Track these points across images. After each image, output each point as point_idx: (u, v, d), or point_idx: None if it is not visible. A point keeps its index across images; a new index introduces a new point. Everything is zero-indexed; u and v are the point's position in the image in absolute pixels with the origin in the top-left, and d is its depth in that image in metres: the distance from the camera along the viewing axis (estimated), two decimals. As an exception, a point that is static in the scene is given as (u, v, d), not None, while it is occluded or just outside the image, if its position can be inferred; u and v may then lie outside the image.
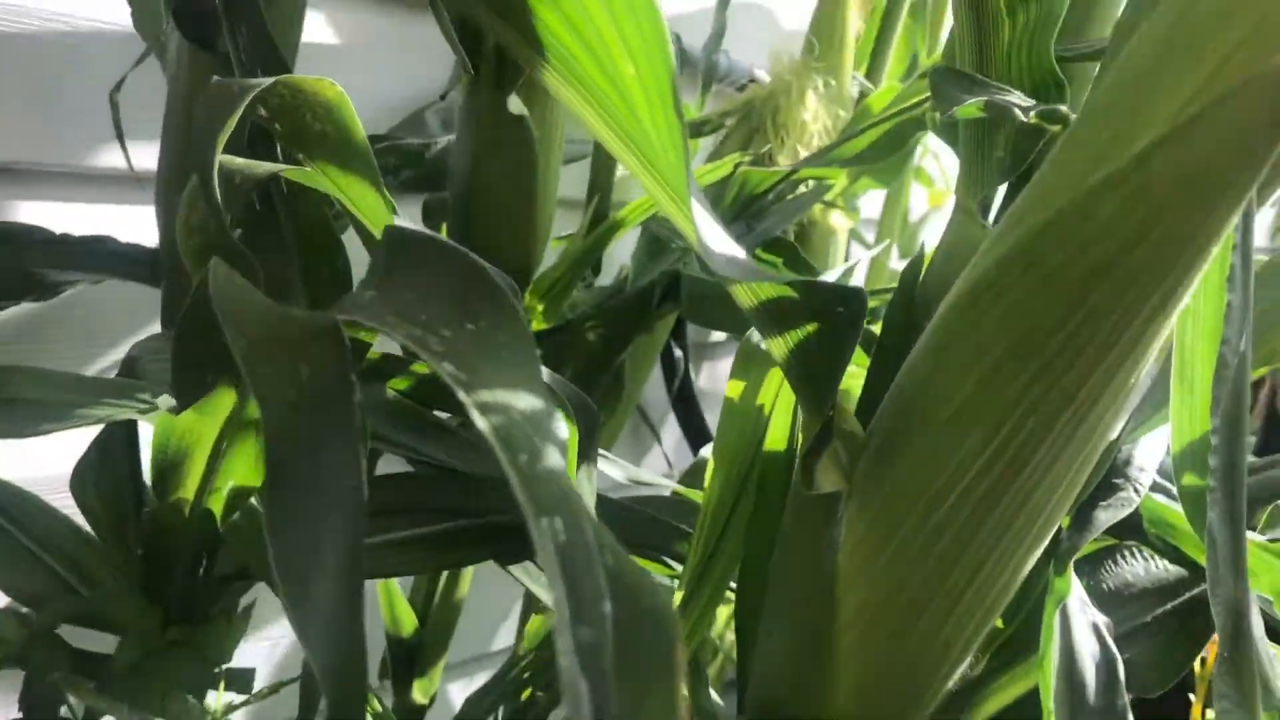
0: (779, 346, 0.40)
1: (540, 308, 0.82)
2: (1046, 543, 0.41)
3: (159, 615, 0.65)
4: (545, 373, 0.52)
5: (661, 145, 0.33)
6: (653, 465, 1.35)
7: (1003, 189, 0.52)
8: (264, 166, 0.45)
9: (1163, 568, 0.57)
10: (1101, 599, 0.58)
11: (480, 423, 0.27)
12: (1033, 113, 0.40)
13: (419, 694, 0.88)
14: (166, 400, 0.55)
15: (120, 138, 0.74)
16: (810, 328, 0.39)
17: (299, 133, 0.42)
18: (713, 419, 1.25)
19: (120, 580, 0.65)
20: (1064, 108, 0.40)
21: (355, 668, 0.30)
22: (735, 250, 0.36)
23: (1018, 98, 0.44)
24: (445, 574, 0.86)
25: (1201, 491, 0.43)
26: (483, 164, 0.76)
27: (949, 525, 0.38)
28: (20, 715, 0.65)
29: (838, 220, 1.00)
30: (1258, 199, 0.37)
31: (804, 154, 0.94)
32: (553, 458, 0.27)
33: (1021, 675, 0.52)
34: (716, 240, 0.35)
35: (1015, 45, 0.49)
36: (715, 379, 1.45)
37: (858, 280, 1.23)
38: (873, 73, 1.09)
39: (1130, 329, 0.32)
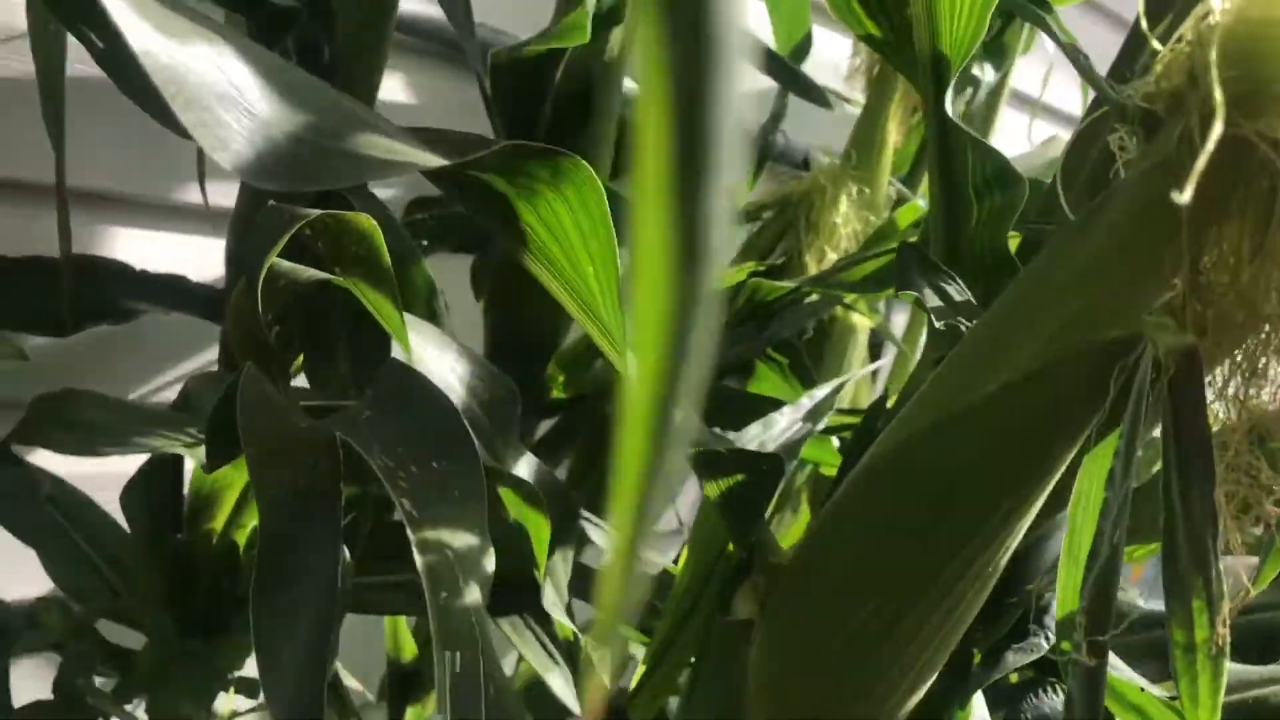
0: (712, 488, 0.46)
1: (561, 377, 0.89)
2: (931, 678, 0.47)
3: (179, 625, 0.73)
4: (528, 463, 0.59)
5: (611, 322, 0.40)
6: (665, 521, 1.41)
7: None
8: (308, 273, 0.52)
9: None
10: (1019, 723, 0.64)
11: (417, 560, 0.33)
12: (941, 322, 0.46)
13: (411, 718, 0.95)
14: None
15: (203, 185, 0.82)
16: (738, 477, 0.45)
17: (338, 252, 0.49)
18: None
19: (151, 589, 0.73)
20: (966, 324, 0.46)
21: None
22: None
23: (956, 290, 0.50)
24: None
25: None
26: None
27: (836, 665, 0.44)
28: (52, 698, 0.73)
29: (858, 319, 1.06)
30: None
31: (830, 255, 1.00)
32: (471, 595, 0.33)
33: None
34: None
35: (981, 226, 0.55)
36: (741, 441, 1.51)
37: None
38: (909, 181, 1.15)
39: (984, 529, 0.38)
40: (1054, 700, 0.64)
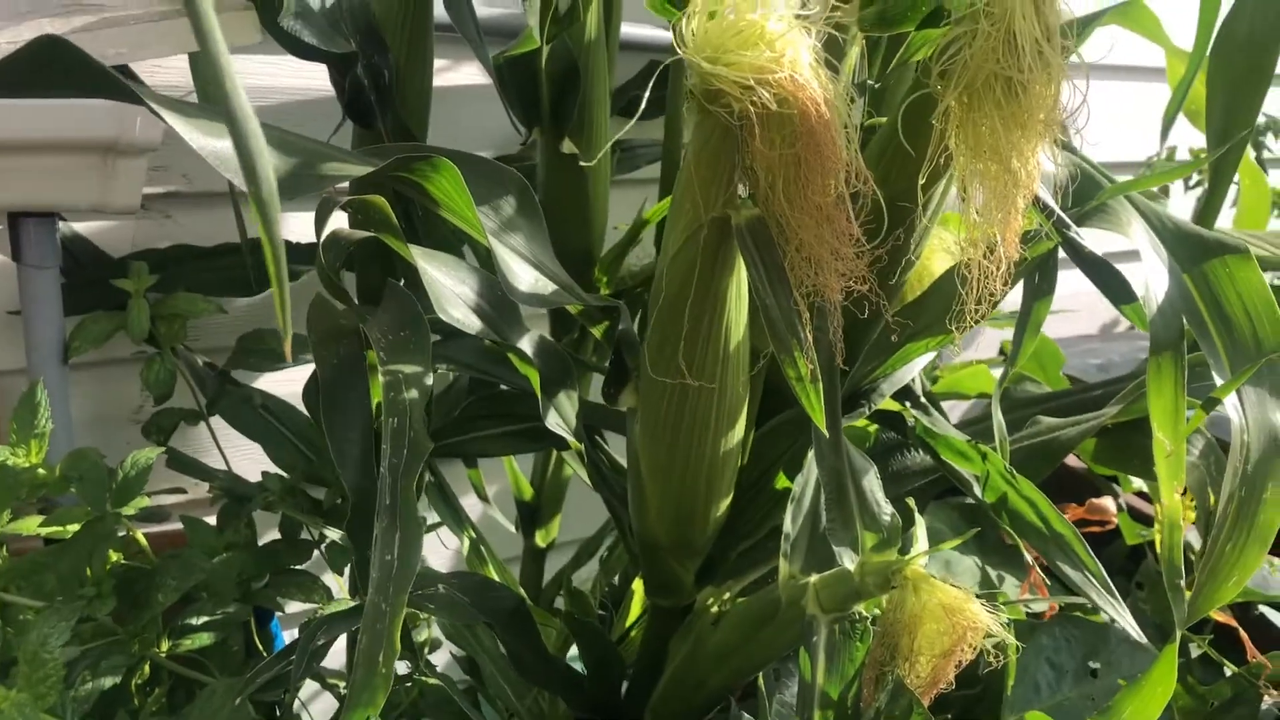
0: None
1: (604, 278, 1.19)
2: (739, 431, 0.75)
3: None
4: (530, 339, 0.89)
5: (475, 224, 0.69)
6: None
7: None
8: (357, 235, 0.84)
9: (923, 458, 0.89)
10: (889, 478, 0.91)
11: (380, 378, 0.65)
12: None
13: (540, 540, 1.28)
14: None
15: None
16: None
17: (367, 220, 0.81)
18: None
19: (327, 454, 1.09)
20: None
21: (366, 488, 0.69)
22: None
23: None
24: (552, 459, 1.26)
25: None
26: (549, 186, 1.14)
27: (677, 422, 0.74)
28: (279, 537, 1.08)
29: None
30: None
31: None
32: (410, 394, 0.65)
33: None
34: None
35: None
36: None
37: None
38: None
39: (702, 326, 0.67)
40: (914, 456, 0.90)
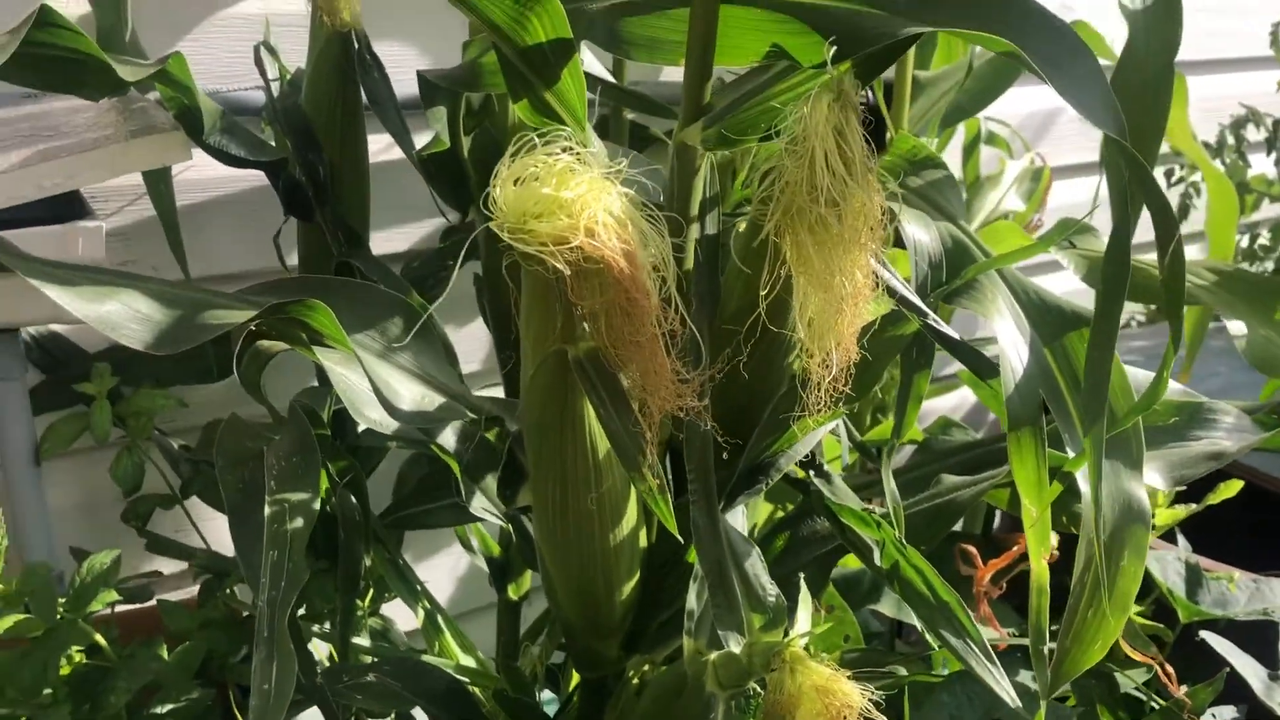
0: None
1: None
2: (629, 522, 0.80)
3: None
4: (453, 429, 0.94)
5: (340, 342, 0.74)
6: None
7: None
8: (276, 348, 0.90)
9: (825, 525, 0.93)
10: (797, 542, 0.95)
11: (265, 510, 0.70)
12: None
13: (512, 593, 1.33)
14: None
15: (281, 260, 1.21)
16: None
17: (283, 333, 0.86)
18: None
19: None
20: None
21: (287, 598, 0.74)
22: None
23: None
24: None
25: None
26: (488, 264, 1.18)
27: (565, 522, 0.78)
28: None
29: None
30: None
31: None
32: (295, 524, 0.70)
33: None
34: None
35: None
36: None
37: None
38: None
39: (565, 448, 0.71)
40: (819, 523, 0.94)
